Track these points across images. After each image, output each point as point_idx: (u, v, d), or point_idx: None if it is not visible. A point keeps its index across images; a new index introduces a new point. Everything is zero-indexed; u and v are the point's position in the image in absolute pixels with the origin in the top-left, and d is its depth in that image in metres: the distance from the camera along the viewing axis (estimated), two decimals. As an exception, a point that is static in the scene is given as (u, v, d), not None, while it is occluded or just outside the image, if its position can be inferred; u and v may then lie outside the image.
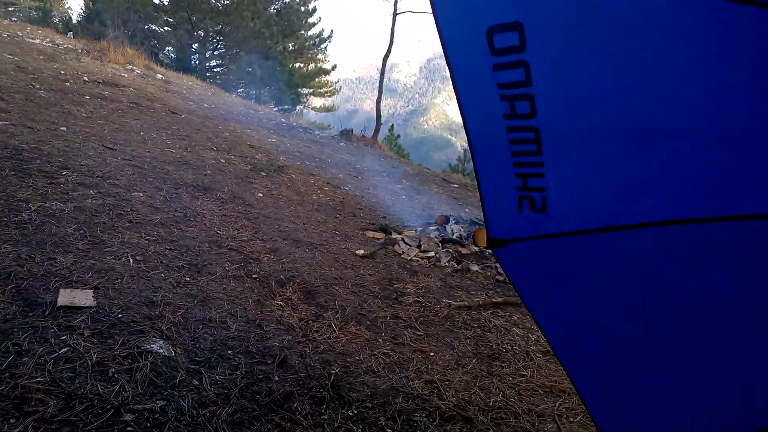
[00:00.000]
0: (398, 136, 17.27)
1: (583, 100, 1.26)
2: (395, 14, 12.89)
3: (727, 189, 1.29)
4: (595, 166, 1.37)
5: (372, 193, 6.97)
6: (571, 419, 2.53)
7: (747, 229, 1.34)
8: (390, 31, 12.86)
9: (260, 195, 5.42)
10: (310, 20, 24.37)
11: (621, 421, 1.87)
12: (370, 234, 5.09)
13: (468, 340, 3.25)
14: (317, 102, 28.39)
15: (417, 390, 2.55)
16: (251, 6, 17.29)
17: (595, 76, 1.22)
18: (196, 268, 3.28)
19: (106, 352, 2.15)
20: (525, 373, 2.92)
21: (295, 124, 12.76)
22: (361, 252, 4.36)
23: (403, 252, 4.73)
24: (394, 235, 5.01)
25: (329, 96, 28.08)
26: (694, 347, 1.61)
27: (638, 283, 1.59)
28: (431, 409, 2.41)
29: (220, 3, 17.94)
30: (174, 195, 4.58)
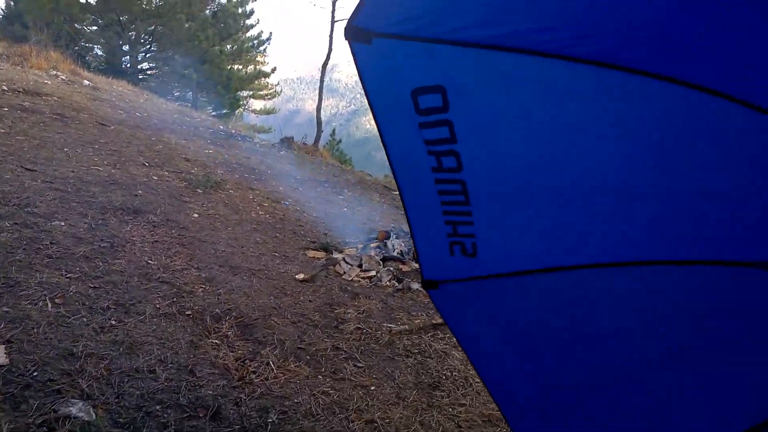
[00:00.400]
0: (339, 140, 17.16)
1: (505, 156, 1.35)
2: (333, 21, 12.79)
3: (633, 238, 1.39)
4: (520, 215, 1.46)
5: (313, 207, 6.87)
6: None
7: (656, 273, 1.43)
8: (329, 38, 12.76)
9: (196, 216, 5.22)
10: (248, 22, 23.81)
11: None
12: (311, 254, 5.02)
13: (409, 369, 3.25)
14: (257, 104, 27.80)
15: None
16: (186, 8, 16.64)
17: (515, 136, 1.30)
18: (123, 308, 3.11)
19: (19, 420, 1.99)
20: (464, 401, 2.96)
21: (234, 131, 12.42)
22: (301, 276, 4.28)
23: (345, 272, 4.69)
24: (336, 255, 4.96)
25: (270, 98, 27.52)
26: (617, 386, 1.67)
27: (561, 322, 1.68)
28: (371, 452, 2.39)
29: (153, 4, 17.17)
30: (100, 221, 4.32)
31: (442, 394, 3.03)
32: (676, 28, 0.98)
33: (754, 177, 1.17)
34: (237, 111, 21.09)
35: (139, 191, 5.41)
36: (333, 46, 12.76)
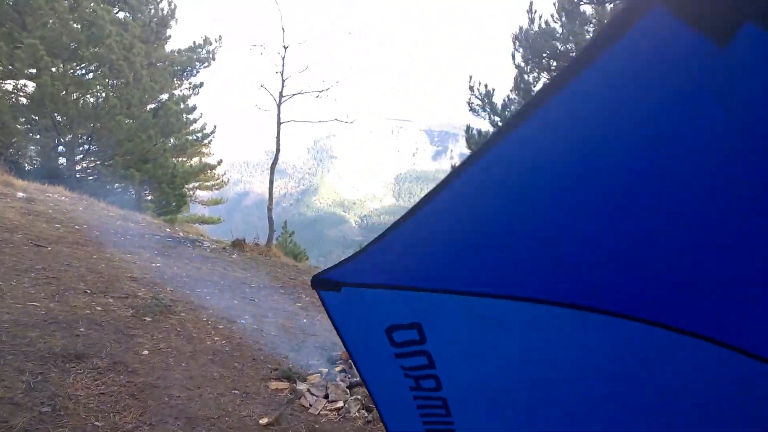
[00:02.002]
0: (292, 233, 17.05)
1: (482, 378, 1.41)
2: (279, 123, 13.06)
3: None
4: (497, 422, 1.53)
5: (271, 322, 6.62)
6: None
7: None
8: (276, 140, 12.96)
9: (145, 353, 4.88)
10: (191, 116, 24.00)
11: None
12: (274, 385, 4.75)
13: None
14: (204, 195, 27.50)
15: None
16: (125, 108, 16.58)
17: (488, 363, 1.38)
18: (68, 497, 2.76)
19: None
20: None
21: (182, 235, 12.09)
22: (264, 421, 4.01)
23: (311, 405, 4.45)
24: (300, 386, 4.71)
25: (217, 189, 27.36)
26: None
27: None
28: None
29: (90, 105, 17.02)
30: (39, 377, 3.94)
31: None
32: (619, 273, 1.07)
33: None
34: (183, 207, 20.69)
35: (82, 329, 5.03)
36: (280, 146, 12.92)
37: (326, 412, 4.38)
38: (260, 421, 3.99)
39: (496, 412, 1.52)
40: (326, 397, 4.55)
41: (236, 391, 4.51)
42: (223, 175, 27.52)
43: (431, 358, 1.32)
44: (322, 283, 1.29)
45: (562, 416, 1.48)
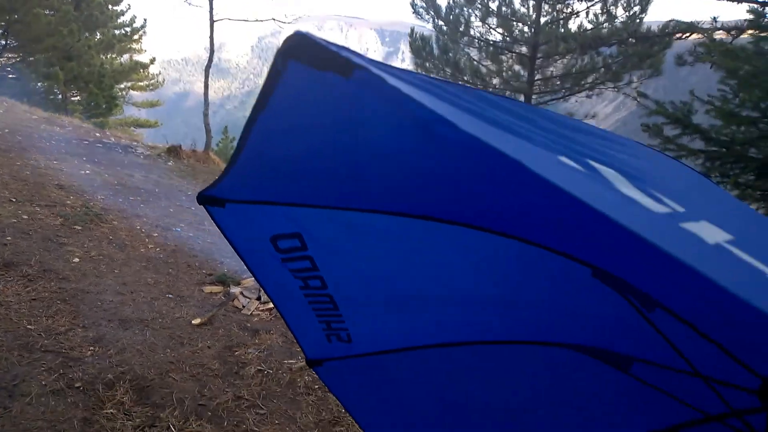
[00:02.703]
0: (233, 138, 16.60)
1: (361, 277, 1.66)
2: (212, 21, 12.25)
3: (455, 326, 1.79)
4: (380, 313, 1.79)
5: (207, 230, 6.76)
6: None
7: (482, 351, 1.80)
8: (209, 39, 12.21)
9: (76, 260, 4.96)
10: (117, 8, 22.00)
11: None
12: (208, 289, 5.00)
13: (310, 408, 3.45)
14: (139, 96, 25.98)
15: (262, 487, 2.68)
16: (44, 0, 15.00)
17: (365, 265, 1.63)
18: (6, 391, 2.98)
19: None
20: (362, 435, 3.21)
21: (113, 140, 11.62)
22: (197, 321, 4.29)
23: (244, 307, 4.75)
24: (233, 289, 4.99)
25: (152, 89, 25.85)
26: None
27: (423, 385, 1.99)
28: (276, 508, 2.57)
29: (5, -4, 15.25)
30: (-34, 285, 4.01)
31: (342, 429, 3.27)
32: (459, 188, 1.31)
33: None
34: (116, 110, 19.57)
35: (8, 237, 5.02)
36: (218, 45, 12.23)
37: (258, 313, 4.71)
38: (193, 322, 4.27)
39: (375, 306, 1.79)
40: (258, 299, 4.86)
41: (170, 296, 4.74)
42: (158, 75, 25.88)
43: (314, 261, 1.52)
44: (207, 199, 1.43)
45: (429, 309, 1.77)
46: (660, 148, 4.63)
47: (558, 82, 9.64)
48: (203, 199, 1.43)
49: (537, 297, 1.67)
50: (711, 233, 0.65)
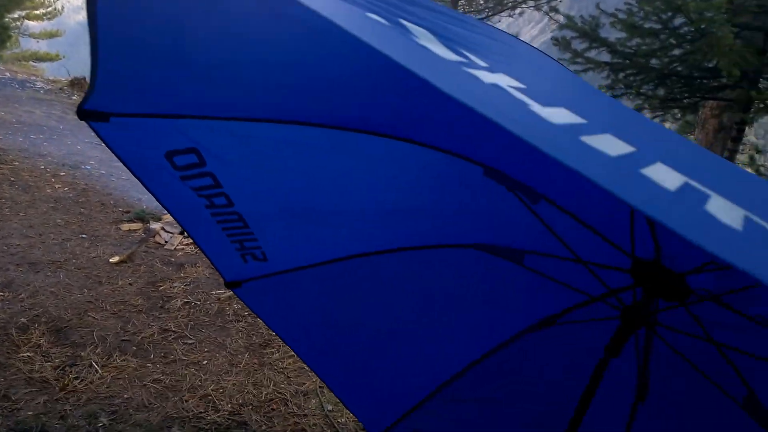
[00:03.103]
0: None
1: (266, 191, 1.62)
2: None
3: (377, 232, 1.81)
4: (291, 228, 1.77)
5: (121, 166, 6.36)
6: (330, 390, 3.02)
7: (392, 258, 1.84)
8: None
9: (-27, 205, 4.58)
10: None
11: (365, 398, 2.32)
12: (126, 227, 4.79)
13: (240, 334, 3.48)
14: (36, 26, 23.35)
15: (192, 410, 2.72)
16: None
17: (268, 177, 1.58)
18: None
19: None
20: (292, 353, 3.30)
21: (8, 75, 10.49)
22: (116, 259, 4.12)
23: (166, 242, 4.61)
24: (153, 225, 4.80)
25: (50, 18, 23.26)
26: (391, 339, 2.11)
27: (341, 297, 2.05)
28: (207, 427, 2.63)
29: None
30: None
31: (273, 350, 3.34)
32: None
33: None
34: (9, 43, 17.49)
35: None
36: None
37: (182, 247, 4.59)
38: (111, 260, 4.10)
39: (285, 221, 1.75)
40: (182, 233, 4.72)
41: (84, 236, 4.50)
42: (55, 1, 23.24)
43: (215, 178, 1.45)
44: (89, 114, 1.29)
45: (339, 220, 1.76)
46: (569, 62, 4.76)
47: (482, 2, 9.53)
48: (84, 114, 1.28)
49: (438, 201, 1.71)
50: (564, 117, 0.69)
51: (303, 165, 1.59)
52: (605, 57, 4.78)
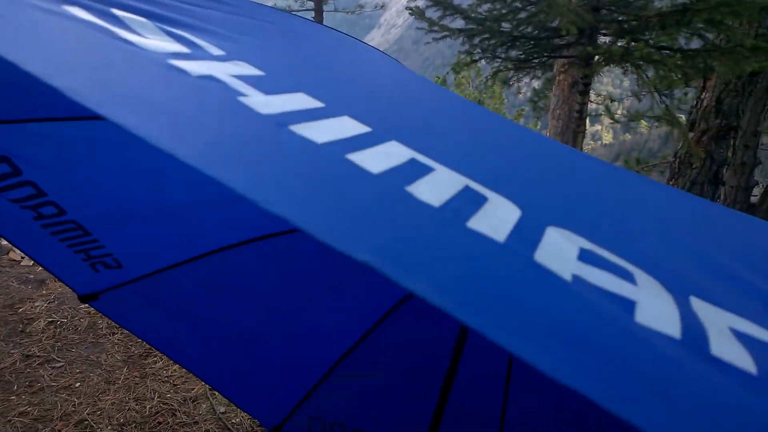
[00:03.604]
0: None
1: (99, 194, 1.53)
2: None
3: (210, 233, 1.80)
4: (139, 230, 1.68)
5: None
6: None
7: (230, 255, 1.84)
8: None
9: None
10: None
11: (255, 394, 2.29)
12: (-30, 250, 4.27)
13: (116, 347, 3.28)
14: None
15: (67, 439, 2.55)
16: None
17: (95, 178, 1.49)
18: None
19: None
20: (177, 358, 3.18)
21: None
22: (-40, 287, 3.67)
23: (23, 258, 4.18)
24: (4, 241, 4.32)
25: None
26: (265, 329, 2.10)
27: (201, 295, 2.00)
28: (86, 453, 2.48)
29: None
30: None
31: (155, 359, 3.19)
32: None
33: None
34: None
35: None
36: None
37: (41, 263, 4.19)
38: (-47, 289, 3.65)
39: (131, 223, 1.63)
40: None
41: None
42: None
43: (37, 186, 1.34)
44: None
45: (187, 218, 1.71)
46: (426, 30, 4.91)
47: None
48: None
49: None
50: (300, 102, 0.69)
51: (132, 160, 1.49)
52: (460, 24, 4.97)
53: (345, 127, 0.65)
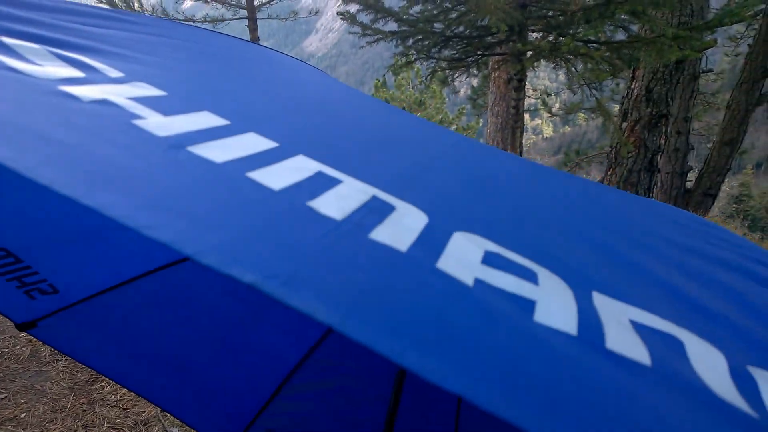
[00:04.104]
0: None
1: (27, 218, 1.46)
2: None
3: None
4: (70, 253, 1.61)
5: None
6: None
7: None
8: None
9: None
10: None
11: (208, 412, 2.23)
12: None
13: (61, 374, 3.11)
14: None
15: (13, 475, 2.39)
16: None
17: (21, 198, 1.41)
18: None
19: None
20: (129, 379, 3.05)
21: None
22: None
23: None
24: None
25: None
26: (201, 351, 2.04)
27: (150, 317, 1.93)
28: (36, 487, 2.34)
29: None
30: None
31: (102, 384, 3.05)
32: None
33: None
34: None
35: None
36: None
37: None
38: None
39: (62, 246, 1.57)
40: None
41: None
42: None
43: None
44: None
45: (118, 237, 1.64)
46: (360, 35, 4.93)
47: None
48: None
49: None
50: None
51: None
52: (393, 26, 5.02)
53: (249, 144, 0.63)
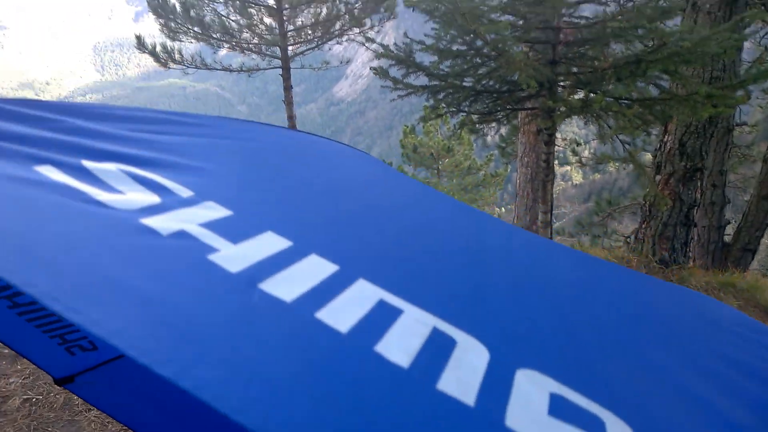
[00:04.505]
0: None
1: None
2: None
3: None
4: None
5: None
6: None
7: None
8: None
9: None
10: None
11: None
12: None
13: (93, 425, 3.14)
14: None
15: None
16: None
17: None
18: None
19: None
20: None
21: None
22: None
23: (-8, 335, 4.00)
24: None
25: None
26: None
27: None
28: None
29: None
30: None
31: (136, 435, 3.06)
32: None
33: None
34: None
35: None
36: None
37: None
38: None
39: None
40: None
41: None
42: None
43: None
44: None
45: None
46: (391, 89, 5.05)
47: (310, 32, 9.76)
48: None
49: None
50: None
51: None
52: (424, 80, 5.13)
53: (313, 271, 0.65)
